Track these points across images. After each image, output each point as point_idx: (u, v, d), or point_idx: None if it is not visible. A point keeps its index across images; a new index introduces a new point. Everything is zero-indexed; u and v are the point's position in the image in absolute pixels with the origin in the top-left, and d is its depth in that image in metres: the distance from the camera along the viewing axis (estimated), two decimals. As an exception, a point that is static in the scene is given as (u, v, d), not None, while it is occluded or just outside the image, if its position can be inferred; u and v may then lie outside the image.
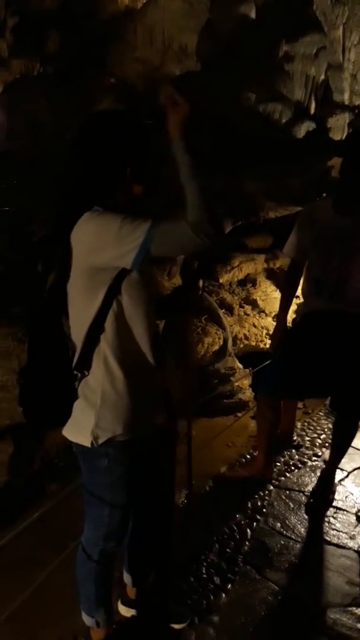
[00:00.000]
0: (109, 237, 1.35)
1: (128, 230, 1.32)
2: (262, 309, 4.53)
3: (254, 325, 4.39)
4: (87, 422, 1.49)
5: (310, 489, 2.82)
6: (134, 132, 1.47)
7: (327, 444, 3.22)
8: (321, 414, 3.73)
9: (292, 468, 3.05)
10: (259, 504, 2.70)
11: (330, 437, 2.94)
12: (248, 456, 3.14)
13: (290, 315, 3.10)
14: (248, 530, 2.50)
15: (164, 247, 1.36)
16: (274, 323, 3.00)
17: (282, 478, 2.94)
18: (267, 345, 4.07)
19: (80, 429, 1.52)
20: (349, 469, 3.02)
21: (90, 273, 1.43)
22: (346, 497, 2.80)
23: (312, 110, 5.28)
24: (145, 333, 1.49)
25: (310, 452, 3.22)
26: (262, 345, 4.31)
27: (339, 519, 2.63)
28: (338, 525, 2.58)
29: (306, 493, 2.80)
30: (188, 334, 1.66)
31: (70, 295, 1.48)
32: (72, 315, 1.50)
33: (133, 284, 1.44)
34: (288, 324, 2.93)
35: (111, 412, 1.48)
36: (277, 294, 4.44)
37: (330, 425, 3.36)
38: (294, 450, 3.24)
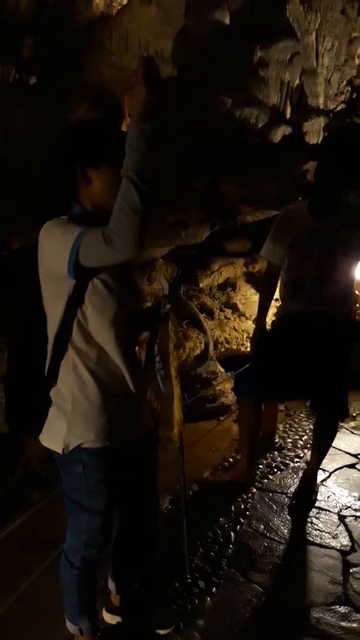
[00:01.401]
0: (52, 243, 1.36)
1: (64, 236, 1.32)
2: (242, 313, 4.56)
3: (235, 329, 4.41)
4: (60, 429, 1.50)
5: (293, 491, 2.85)
6: (84, 136, 1.45)
7: (308, 446, 3.25)
8: (302, 415, 3.77)
9: (275, 470, 3.07)
10: (242, 507, 2.72)
11: (312, 438, 2.97)
12: (231, 460, 3.16)
13: (270, 318, 3.12)
14: (232, 533, 2.52)
15: (88, 256, 1.30)
16: (254, 326, 3.03)
17: (265, 480, 2.96)
18: (248, 349, 4.10)
19: (53, 435, 1.52)
20: (331, 470, 3.05)
21: (49, 282, 1.44)
22: (328, 497, 2.82)
23: (288, 115, 5.33)
24: (115, 343, 1.47)
25: (292, 454, 3.25)
26: (243, 349, 4.35)
27: (321, 519, 2.65)
28: (321, 525, 2.61)
29: (289, 494, 2.83)
30: (167, 345, 1.66)
31: (44, 304, 1.49)
32: (48, 323, 1.50)
33: (99, 294, 1.42)
34: (267, 327, 2.95)
35: (82, 419, 1.48)
36: (257, 298, 4.47)
37: (311, 427, 3.38)
38: (276, 452, 3.26)
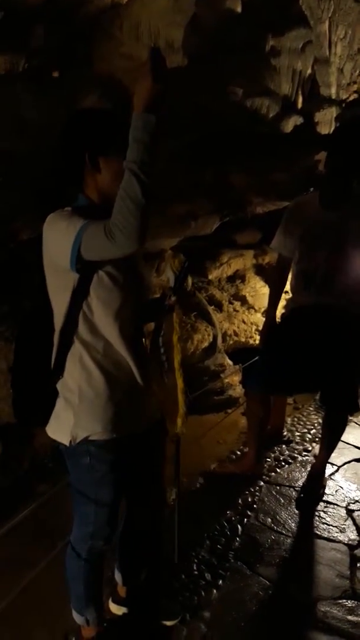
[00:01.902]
0: (55, 235, 1.35)
1: (67, 229, 1.31)
2: (251, 305, 4.53)
3: (244, 322, 4.39)
4: (67, 421, 1.49)
5: (301, 484, 2.83)
6: (95, 123, 1.43)
7: (317, 439, 3.23)
8: (311, 409, 3.74)
9: (283, 463, 3.06)
10: (249, 499, 2.71)
11: (320, 432, 2.95)
12: (238, 452, 3.14)
13: (280, 311, 3.10)
14: (239, 526, 2.51)
15: (90, 249, 1.29)
16: (264, 319, 3.01)
17: (273, 473, 2.95)
18: (257, 341, 4.08)
19: (60, 427, 1.52)
20: (339, 463, 3.04)
21: (54, 274, 1.43)
22: (336, 491, 2.81)
23: (300, 105, 5.29)
24: (121, 335, 1.46)
25: (301, 447, 3.23)
26: (251, 342, 4.32)
27: (329, 513, 2.64)
28: (328, 519, 2.59)
29: (297, 488, 2.81)
30: (172, 334, 1.64)
31: (50, 296, 1.48)
32: (54, 316, 1.49)
33: (104, 286, 1.40)
34: (277, 319, 2.93)
35: (89, 411, 1.48)
36: (266, 290, 4.45)
37: (320, 420, 3.37)
38: (284, 446, 3.24)
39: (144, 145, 1.20)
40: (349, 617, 2.03)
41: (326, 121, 5.21)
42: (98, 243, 1.26)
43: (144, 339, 1.64)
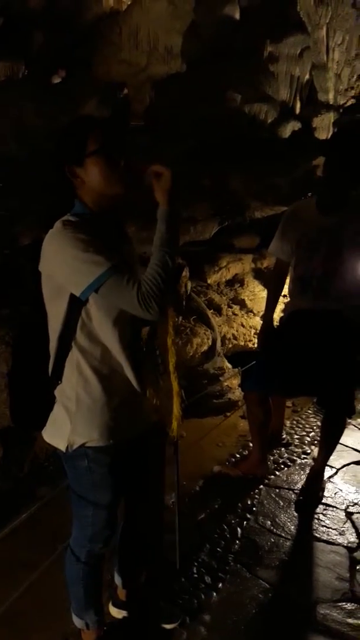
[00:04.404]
0: (65, 263, 1.37)
1: (84, 265, 1.34)
2: (250, 309, 4.55)
3: (242, 325, 4.41)
4: (64, 427, 1.50)
5: (300, 487, 2.84)
6: (64, 138, 1.45)
7: (316, 442, 3.24)
8: (310, 412, 3.75)
9: (282, 466, 3.07)
10: (249, 502, 2.72)
11: (319, 434, 2.96)
12: (238, 455, 3.15)
13: (278, 314, 3.12)
14: (238, 529, 2.52)
15: (108, 297, 1.38)
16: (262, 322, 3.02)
17: (272, 476, 2.95)
18: (256, 345, 4.10)
19: (57, 433, 1.53)
20: (338, 466, 3.04)
21: (52, 284, 1.44)
22: (335, 493, 2.82)
23: (298, 110, 5.33)
24: (119, 342, 1.47)
25: (300, 450, 3.24)
26: (250, 345, 4.34)
27: (328, 515, 2.65)
28: (327, 521, 2.60)
29: (296, 491, 2.82)
30: (166, 337, 1.64)
31: (45, 303, 1.49)
32: (49, 322, 1.50)
33: (101, 294, 1.40)
34: (275, 323, 2.94)
35: (85, 418, 1.49)
36: (264, 294, 4.46)
37: (318, 423, 3.38)
38: (283, 449, 3.25)
39: (170, 230, 1.41)
40: (349, 620, 2.03)
41: (324, 126, 5.25)
42: (125, 302, 1.37)
43: (141, 343, 1.65)
